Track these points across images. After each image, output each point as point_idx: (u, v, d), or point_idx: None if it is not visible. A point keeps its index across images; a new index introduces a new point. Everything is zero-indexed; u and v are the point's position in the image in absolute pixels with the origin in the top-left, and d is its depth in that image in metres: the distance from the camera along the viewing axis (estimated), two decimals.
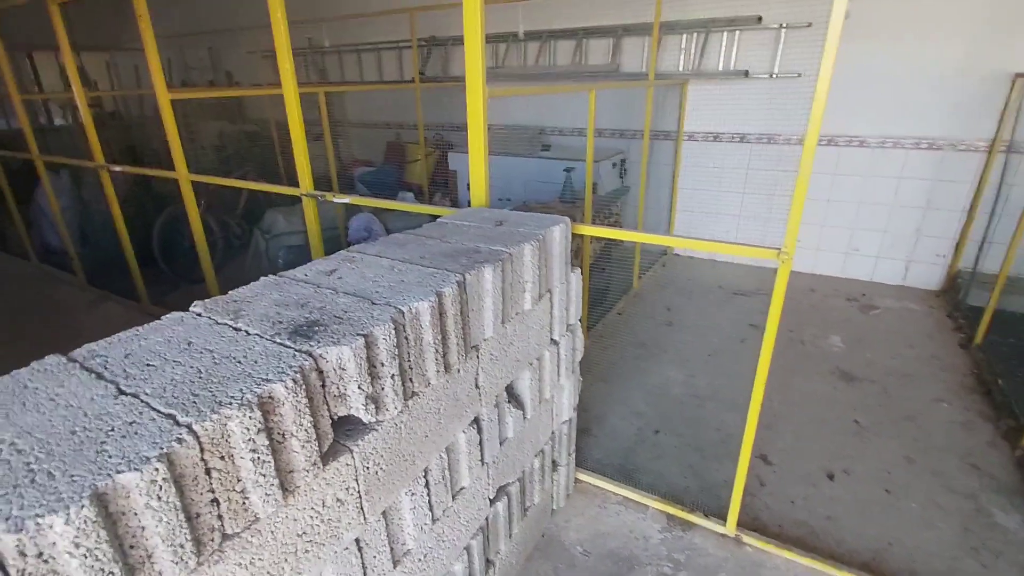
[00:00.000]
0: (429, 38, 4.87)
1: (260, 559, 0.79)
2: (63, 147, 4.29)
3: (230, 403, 0.70)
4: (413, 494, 1.13)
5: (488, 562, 1.58)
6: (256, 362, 0.81)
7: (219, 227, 4.16)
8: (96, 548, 0.56)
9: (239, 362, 0.81)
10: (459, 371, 1.20)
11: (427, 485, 1.18)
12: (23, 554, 0.52)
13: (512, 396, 1.56)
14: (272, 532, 0.80)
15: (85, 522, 0.55)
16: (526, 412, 1.60)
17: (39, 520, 0.53)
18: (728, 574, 1.78)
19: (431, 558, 1.26)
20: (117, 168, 3.05)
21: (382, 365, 0.95)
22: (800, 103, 3.78)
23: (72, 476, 0.58)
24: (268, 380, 0.76)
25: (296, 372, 0.79)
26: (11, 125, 5.45)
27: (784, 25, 3.60)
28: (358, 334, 0.90)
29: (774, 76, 3.74)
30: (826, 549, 1.86)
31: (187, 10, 6.33)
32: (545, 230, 1.51)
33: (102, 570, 0.57)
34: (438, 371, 1.11)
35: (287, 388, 0.76)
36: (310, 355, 0.83)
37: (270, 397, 0.75)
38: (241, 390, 0.74)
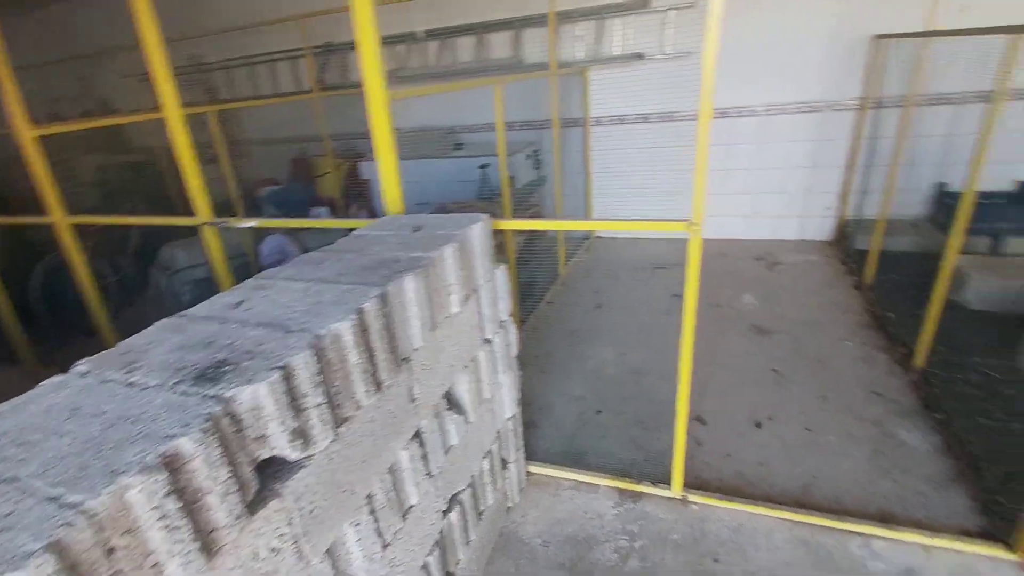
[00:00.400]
0: (324, 45, 4.67)
1: None
2: None
3: (127, 470, 0.64)
4: (358, 524, 1.09)
5: (448, 574, 1.56)
6: (156, 418, 0.74)
7: (112, 270, 3.79)
8: None
9: (136, 421, 0.73)
10: (391, 387, 1.16)
11: (372, 512, 1.14)
12: None
13: (452, 402, 1.54)
14: None
15: None
16: (468, 416, 1.58)
17: None
18: (679, 534, 1.87)
19: None
20: None
21: (305, 396, 0.90)
22: (693, 80, 3.98)
23: None
24: (171, 436, 0.70)
25: (205, 422, 0.72)
26: None
27: (669, 7, 3.78)
28: (273, 368, 0.84)
29: (665, 56, 3.93)
30: (761, 493, 2.00)
31: (48, 35, 5.68)
32: (464, 230, 1.49)
33: None
34: (368, 391, 1.06)
35: (195, 441, 0.70)
36: (220, 400, 0.77)
37: (176, 454, 0.69)
38: (140, 452, 0.67)
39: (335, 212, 4.19)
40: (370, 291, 1.09)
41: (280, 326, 0.98)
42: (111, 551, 0.61)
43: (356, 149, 4.82)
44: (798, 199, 4.15)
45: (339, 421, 1.00)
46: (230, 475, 0.76)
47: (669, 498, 2.01)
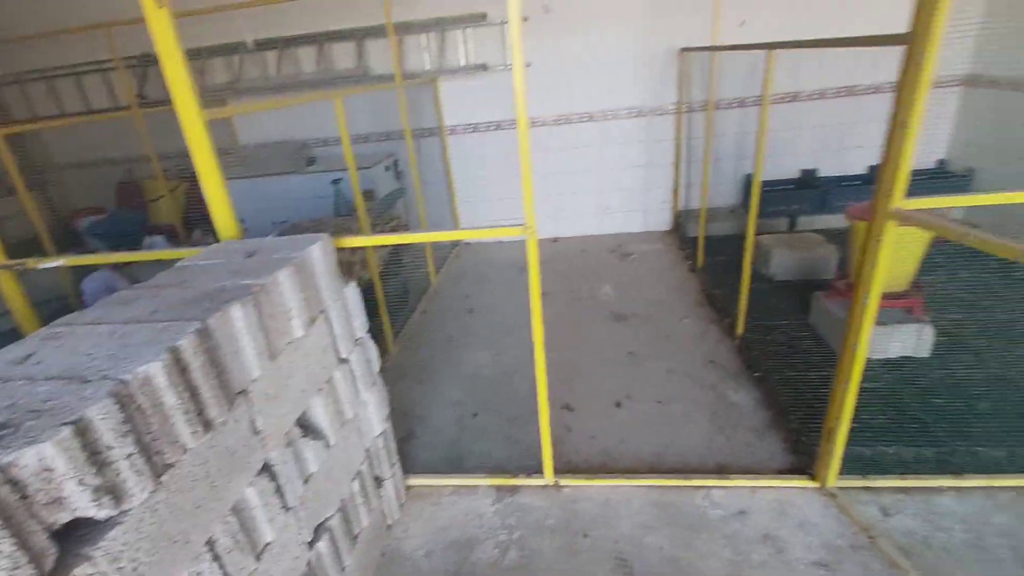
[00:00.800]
0: (141, 55, 4.18)
1: None
2: None
3: None
4: (199, 574, 1.02)
5: None
6: None
7: None
8: None
9: None
10: (226, 423, 1.10)
11: (216, 558, 1.07)
12: None
13: (307, 428, 1.49)
14: None
15: None
16: (328, 440, 1.54)
17: None
18: (554, 519, 1.99)
19: None
20: None
21: (109, 449, 0.82)
22: (535, 89, 4.25)
23: None
24: None
25: None
26: None
27: (505, 21, 3.98)
28: (63, 424, 0.76)
29: (508, 67, 4.13)
30: (622, 467, 2.20)
31: None
32: (302, 251, 1.46)
33: None
34: (195, 432, 1.00)
35: None
36: None
37: None
38: None
39: (175, 240, 3.79)
40: (188, 327, 1.02)
41: (76, 377, 0.89)
42: None
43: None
44: (639, 195, 4.60)
45: (160, 469, 0.93)
46: (17, 548, 0.68)
47: (543, 486, 2.13)
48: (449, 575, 1.81)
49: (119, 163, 4.68)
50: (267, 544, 1.25)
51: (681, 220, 4.50)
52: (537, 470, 2.15)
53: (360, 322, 1.77)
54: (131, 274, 3.10)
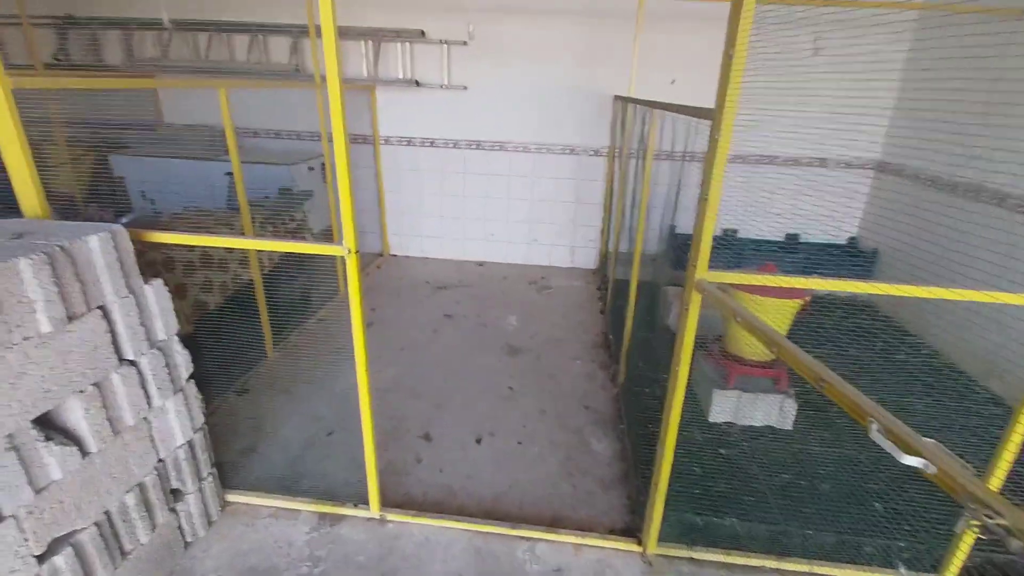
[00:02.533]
0: (65, 16, 4.02)
1: None
2: None
3: None
4: None
5: None
6: None
7: None
8: None
9: None
10: None
11: None
12: None
13: (56, 431, 1.36)
14: None
15: None
16: (86, 446, 1.41)
17: None
18: (366, 555, 1.88)
19: None
20: None
21: None
22: (472, 113, 4.24)
23: None
24: None
25: None
26: None
27: (444, 41, 3.98)
28: None
29: (444, 87, 4.12)
30: (459, 506, 2.11)
31: None
32: (73, 240, 1.35)
33: None
34: None
35: None
36: None
37: None
38: None
39: (68, 212, 3.58)
40: None
41: None
42: None
43: (110, 139, 4.22)
44: (568, 230, 4.61)
45: None
46: None
47: (368, 518, 2.02)
48: None
49: (31, 123, 4.44)
50: None
51: (605, 261, 4.51)
52: (366, 500, 2.04)
53: (165, 323, 1.65)
54: None
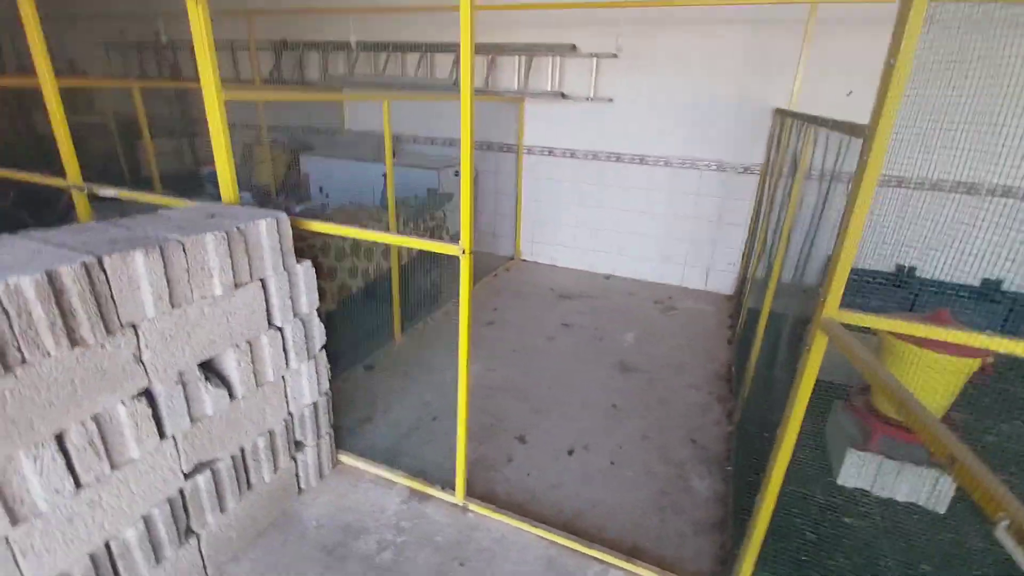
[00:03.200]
0: (280, 41, 4.90)
1: None
2: None
3: None
4: (38, 458, 1.22)
5: (189, 532, 1.68)
6: None
7: (37, 223, 3.94)
8: None
9: None
10: (104, 346, 1.31)
11: (64, 451, 1.27)
12: None
13: (215, 375, 1.68)
14: None
15: None
16: (234, 391, 1.72)
17: None
18: (444, 537, 1.99)
19: (81, 522, 1.35)
20: None
21: None
22: (613, 125, 4.21)
23: None
24: None
25: None
26: None
27: (594, 54, 4.01)
28: None
29: (590, 99, 4.15)
30: (539, 513, 2.12)
31: None
32: (248, 223, 1.65)
33: None
34: (59, 343, 1.21)
35: None
36: None
37: None
38: None
39: (265, 199, 4.36)
40: (77, 257, 1.24)
41: None
42: None
43: (304, 142, 5.02)
44: (705, 250, 4.33)
45: (13, 361, 1.14)
46: None
47: (452, 504, 2.14)
48: (324, 551, 1.90)
49: (248, 127, 5.50)
50: (131, 459, 1.45)
51: (744, 287, 4.15)
52: (453, 486, 2.16)
53: (308, 300, 1.94)
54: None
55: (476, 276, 4.47)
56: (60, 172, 2.36)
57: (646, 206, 4.39)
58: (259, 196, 4.24)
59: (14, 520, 1.21)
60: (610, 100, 4.11)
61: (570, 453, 2.49)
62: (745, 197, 4.07)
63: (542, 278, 4.70)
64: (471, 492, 2.18)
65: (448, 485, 2.18)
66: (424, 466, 2.34)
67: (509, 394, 2.95)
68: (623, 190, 4.40)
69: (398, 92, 4.54)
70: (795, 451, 2.32)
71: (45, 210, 4.04)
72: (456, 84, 4.46)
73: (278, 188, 4.53)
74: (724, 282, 4.38)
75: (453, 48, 4.41)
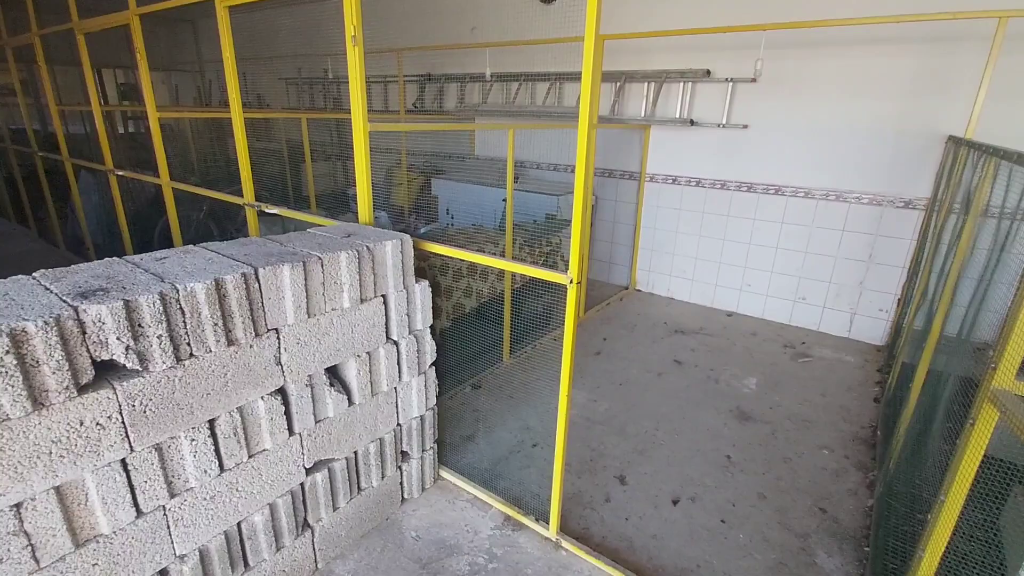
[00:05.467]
0: (425, 74, 5.35)
1: (11, 449, 1.10)
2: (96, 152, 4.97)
3: None
4: (194, 440, 1.42)
5: (305, 524, 1.83)
6: (31, 308, 1.13)
7: (220, 231, 4.67)
8: None
9: (22, 308, 1.14)
10: (252, 346, 1.49)
11: (213, 436, 1.46)
12: None
13: (338, 381, 1.83)
14: (24, 432, 1.11)
15: None
16: (352, 398, 1.86)
17: None
18: (534, 570, 1.95)
19: (221, 501, 1.53)
20: (120, 172, 3.59)
21: (146, 326, 1.25)
22: (747, 153, 3.94)
23: None
24: (25, 319, 1.08)
25: (50, 318, 1.10)
26: (71, 130, 6.26)
27: (730, 79, 3.80)
28: (122, 299, 1.21)
29: (722, 126, 3.93)
30: (636, 563, 2.00)
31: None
32: (376, 243, 1.80)
33: None
34: (219, 341, 1.40)
35: (36, 327, 1.08)
36: (74, 309, 1.15)
37: (23, 331, 1.07)
38: (2, 324, 1.06)
39: (398, 219, 4.74)
40: (240, 268, 1.43)
41: (162, 277, 1.36)
42: None
43: (436, 167, 5.40)
44: (850, 293, 3.84)
45: (184, 355, 1.34)
46: (64, 357, 1.13)
47: (545, 537, 2.09)
48: (419, 564, 1.96)
49: (391, 152, 6.05)
50: (264, 449, 1.62)
51: (899, 338, 3.60)
52: (547, 518, 2.12)
53: (422, 317, 2.04)
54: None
55: (588, 304, 4.42)
56: (241, 192, 2.77)
57: (780, 240, 4.02)
58: (393, 216, 4.62)
59: (171, 493, 1.41)
60: (744, 127, 3.87)
61: (674, 503, 2.32)
62: (904, 235, 3.56)
63: (656, 310, 4.51)
64: (565, 528, 2.12)
65: (542, 517, 2.14)
66: (520, 492, 2.32)
67: (611, 429, 2.84)
68: (752, 222, 4.08)
69: (524, 120, 4.71)
70: (954, 541, 1.94)
71: (227, 222, 4.77)
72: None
73: (409, 209, 4.90)
74: (873, 330, 3.84)
75: (580, 77, 4.47)
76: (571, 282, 1.73)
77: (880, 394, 3.16)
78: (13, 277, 1.32)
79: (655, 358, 3.65)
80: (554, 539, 2.07)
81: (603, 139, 4.50)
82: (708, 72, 3.88)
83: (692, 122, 4.01)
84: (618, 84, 4.30)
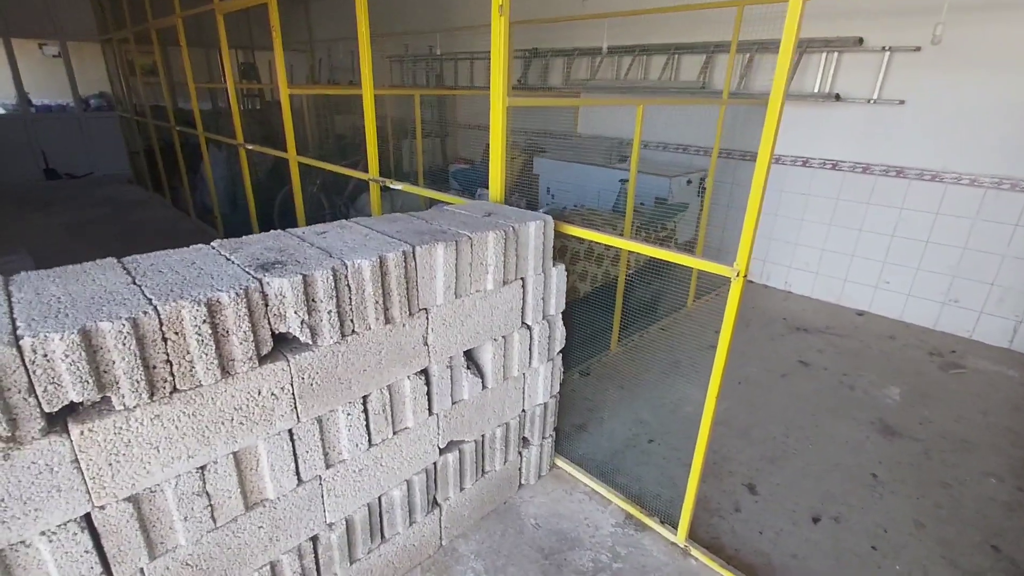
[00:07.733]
0: (531, 49, 5.19)
1: (201, 414, 1.14)
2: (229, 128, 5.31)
3: (186, 298, 1.05)
4: (349, 414, 1.43)
5: (435, 502, 1.83)
6: (221, 278, 1.16)
7: (329, 204, 4.86)
8: (78, 361, 0.93)
9: (212, 277, 1.16)
10: (404, 325, 1.47)
11: (365, 411, 1.47)
12: (34, 354, 0.90)
13: (473, 364, 1.79)
14: (212, 399, 1.14)
15: (73, 343, 0.92)
16: (486, 381, 1.82)
17: (45, 335, 0.90)
18: None
19: (367, 475, 1.55)
20: (250, 146, 3.78)
21: (319, 301, 1.25)
22: (902, 133, 3.47)
23: (74, 318, 0.96)
24: (219, 290, 1.10)
25: (240, 289, 1.12)
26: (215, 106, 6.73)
27: (888, 47, 3.33)
28: (300, 273, 1.21)
29: (872, 101, 3.47)
30: None
31: (337, 19, 7.40)
32: (520, 224, 1.72)
33: (81, 378, 0.94)
34: (378, 319, 1.39)
35: (229, 297, 1.10)
36: (259, 281, 1.16)
37: (217, 301, 1.09)
38: (199, 293, 1.08)
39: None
40: (400, 246, 1.40)
41: (329, 252, 1.35)
42: (165, 339, 1.04)
43: (538, 145, 5.27)
44: (1017, 298, 3.32)
45: (348, 331, 1.34)
46: (250, 328, 1.15)
47: (672, 543, 1.98)
48: (541, 553, 1.92)
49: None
50: (406, 427, 1.62)
51: None
52: (673, 522, 2.00)
53: (556, 302, 1.96)
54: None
55: (697, 294, 4.16)
56: (352, 165, 2.81)
57: (932, 233, 3.54)
58: None
59: (327, 463, 1.43)
60: (900, 102, 3.40)
61: (815, 521, 2.11)
62: None
63: (772, 304, 4.17)
64: (693, 535, 1.98)
65: (668, 520, 2.02)
66: (639, 490, 2.21)
67: (733, 431, 2.64)
68: (900, 211, 3.62)
69: (644, 97, 4.45)
70: None
71: (335, 195, 4.95)
72: (704, 87, 4.19)
73: (511, 188, 4.84)
74: None
75: (704, 48, 4.13)
76: (737, 275, 1.56)
77: None
78: (195, 246, 1.36)
79: (776, 357, 3.37)
80: (682, 546, 1.95)
81: (727, 117, 4.16)
82: (860, 40, 3.43)
83: (838, 96, 3.58)
84: (748, 56, 3.93)
